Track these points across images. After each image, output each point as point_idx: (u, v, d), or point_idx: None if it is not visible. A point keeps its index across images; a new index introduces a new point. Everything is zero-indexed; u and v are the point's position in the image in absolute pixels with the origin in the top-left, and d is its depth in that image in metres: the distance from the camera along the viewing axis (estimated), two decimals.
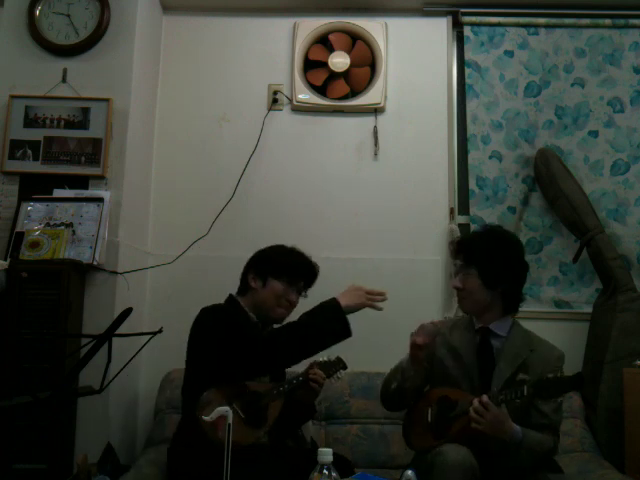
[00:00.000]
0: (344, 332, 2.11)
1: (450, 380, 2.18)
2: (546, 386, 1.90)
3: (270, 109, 3.21)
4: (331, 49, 3.18)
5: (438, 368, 2.22)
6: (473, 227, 3.11)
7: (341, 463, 1.57)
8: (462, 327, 2.26)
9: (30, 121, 2.80)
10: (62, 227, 2.66)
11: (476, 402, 1.94)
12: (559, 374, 1.92)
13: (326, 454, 1.46)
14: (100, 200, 2.71)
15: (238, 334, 2.12)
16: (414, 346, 2.11)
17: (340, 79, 3.17)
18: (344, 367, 2.29)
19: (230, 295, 2.35)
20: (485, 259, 2.14)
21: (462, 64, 3.26)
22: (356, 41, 3.19)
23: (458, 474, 1.82)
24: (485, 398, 1.94)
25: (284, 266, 2.30)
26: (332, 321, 2.10)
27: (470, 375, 2.15)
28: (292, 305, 2.31)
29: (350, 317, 3.01)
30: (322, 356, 2.27)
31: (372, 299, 2.16)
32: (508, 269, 2.15)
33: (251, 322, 2.25)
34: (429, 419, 2.14)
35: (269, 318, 2.30)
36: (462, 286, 2.17)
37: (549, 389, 1.90)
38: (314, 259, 3.07)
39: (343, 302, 2.13)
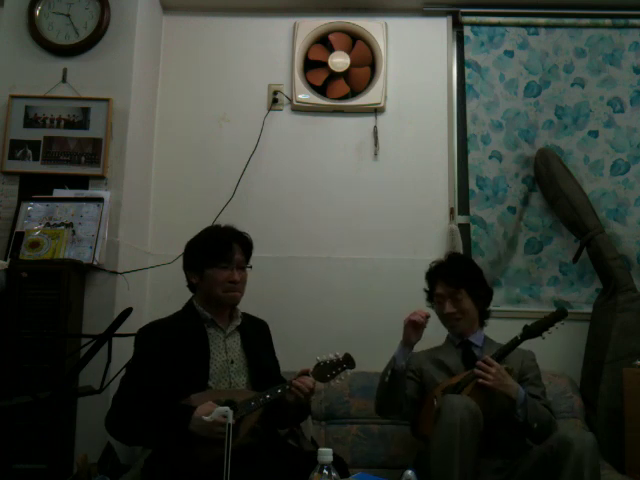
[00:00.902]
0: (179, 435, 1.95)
1: None
2: (534, 326, 2.23)
3: (270, 109, 3.21)
4: (331, 49, 3.18)
5: (428, 381, 2.35)
6: (473, 227, 3.11)
7: (336, 463, 1.55)
8: (443, 347, 2.46)
9: (30, 121, 2.80)
10: (62, 227, 2.66)
11: (478, 362, 2.16)
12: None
13: (326, 454, 1.46)
14: (100, 200, 2.72)
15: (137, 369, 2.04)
16: (409, 324, 2.26)
17: (340, 79, 3.17)
18: (350, 366, 2.14)
19: (189, 299, 2.26)
20: (472, 279, 2.38)
21: (462, 64, 3.26)
22: (356, 41, 3.19)
23: (464, 413, 1.96)
24: (484, 356, 2.17)
25: (208, 252, 2.17)
26: (171, 429, 1.96)
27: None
28: (238, 283, 2.18)
29: (349, 317, 3.03)
30: (328, 354, 2.15)
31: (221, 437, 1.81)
32: (486, 285, 2.45)
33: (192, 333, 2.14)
34: (437, 405, 2.20)
35: (224, 305, 2.20)
36: (456, 310, 2.34)
37: (538, 327, 2.21)
38: (314, 259, 3.11)
39: (196, 415, 1.93)
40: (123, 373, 2.03)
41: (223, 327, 2.20)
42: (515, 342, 2.23)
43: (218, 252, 2.16)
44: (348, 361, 2.15)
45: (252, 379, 2.18)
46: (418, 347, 2.51)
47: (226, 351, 2.16)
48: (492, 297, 2.47)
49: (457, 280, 2.35)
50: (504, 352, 2.22)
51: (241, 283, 2.20)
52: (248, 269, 2.24)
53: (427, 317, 2.25)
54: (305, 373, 2.11)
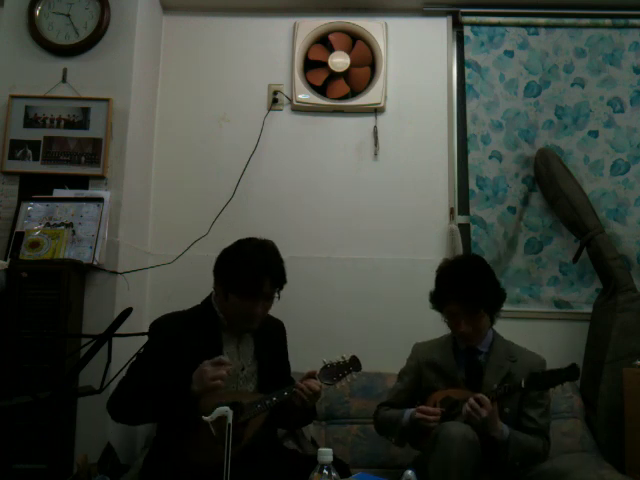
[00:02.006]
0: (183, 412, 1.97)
1: None
2: (541, 378, 2.05)
3: (270, 109, 3.21)
4: (331, 49, 3.18)
5: (426, 384, 2.28)
6: (473, 227, 3.10)
7: (337, 466, 1.55)
8: (445, 348, 2.32)
9: (30, 121, 2.80)
10: (62, 227, 2.66)
11: (472, 399, 2.04)
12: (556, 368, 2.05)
13: (326, 454, 1.46)
14: (100, 200, 2.71)
15: (145, 361, 2.02)
16: (425, 423, 2.12)
17: (340, 79, 3.17)
18: (357, 368, 2.13)
19: (210, 294, 2.23)
20: (489, 297, 2.20)
21: (462, 64, 3.26)
22: (356, 41, 3.19)
23: (460, 444, 1.91)
24: (480, 395, 2.05)
25: (235, 281, 2.07)
26: (177, 407, 1.97)
27: (460, 388, 2.22)
28: (258, 316, 2.11)
29: (349, 317, 3.03)
30: (336, 356, 2.14)
31: (216, 384, 1.92)
32: (499, 293, 2.26)
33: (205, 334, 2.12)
34: (433, 432, 2.14)
35: (241, 327, 2.15)
36: (472, 328, 2.20)
37: (544, 380, 2.05)
38: (314, 259, 3.10)
39: (195, 389, 1.95)
40: (123, 373, 2.03)
41: (238, 332, 2.17)
42: (516, 388, 2.08)
43: (245, 287, 2.06)
44: (355, 363, 2.14)
45: (260, 386, 2.16)
46: (421, 339, 2.46)
47: (238, 357, 2.14)
48: (505, 297, 2.29)
49: (476, 302, 2.15)
50: (502, 394, 2.09)
51: (263, 314, 2.14)
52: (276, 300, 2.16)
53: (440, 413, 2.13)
54: (312, 376, 2.09)
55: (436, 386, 2.25)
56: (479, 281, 2.18)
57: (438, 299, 2.27)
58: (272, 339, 2.27)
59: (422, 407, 2.16)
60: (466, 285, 2.15)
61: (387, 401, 2.39)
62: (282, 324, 2.36)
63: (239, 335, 2.17)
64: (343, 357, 2.14)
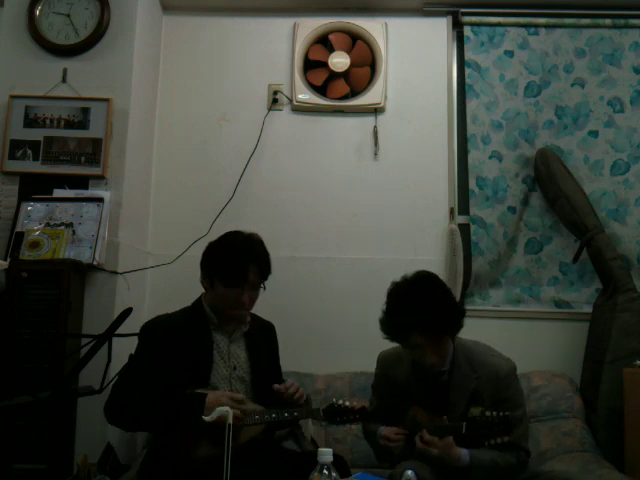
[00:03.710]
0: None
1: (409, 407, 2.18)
2: (479, 427, 1.94)
3: (270, 109, 3.21)
4: (331, 49, 3.18)
5: (395, 399, 2.20)
6: (473, 227, 3.10)
7: (337, 462, 1.55)
8: (407, 365, 2.18)
9: (30, 121, 2.80)
10: (62, 227, 2.66)
11: (418, 442, 1.99)
12: (494, 413, 1.92)
13: (326, 454, 1.46)
14: (100, 200, 2.72)
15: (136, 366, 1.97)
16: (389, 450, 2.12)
17: (340, 79, 3.17)
18: (363, 418, 2.13)
19: (200, 295, 2.21)
20: (453, 322, 2.07)
21: (462, 64, 3.26)
22: (356, 41, 3.19)
23: None
24: (426, 436, 1.99)
25: (221, 269, 2.09)
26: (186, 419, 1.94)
27: (425, 409, 2.13)
28: (245, 304, 2.10)
29: (349, 317, 3.03)
30: (345, 400, 2.12)
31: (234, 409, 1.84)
32: (460, 312, 2.11)
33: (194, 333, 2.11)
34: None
35: (230, 319, 2.14)
36: (439, 357, 2.08)
37: (480, 431, 1.93)
38: (314, 259, 3.11)
39: (208, 404, 1.92)
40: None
41: (229, 332, 2.16)
42: (459, 433, 1.97)
43: (231, 273, 2.07)
44: (362, 413, 2.11)
45: (253, 387, 2.16)
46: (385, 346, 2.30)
47: (229, 357, 2.14)
48: (465, 311, 2.13)
49: (442, 329, 2.03)
50: (450, 433, 1.98)
51: (250, 303, 2.13)
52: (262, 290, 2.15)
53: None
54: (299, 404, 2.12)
55: (403, 406, 2.16)
56: (440, 309, 2.02)
57: (394, 332, 2.07)
58: (263, 340, 2.27)
59: (385, 433, 2.11)
60: (428, 316, 1.99)
61: (368, 412, 2.30)
62: (273, 326, 2.35)
63: (230, 335, 2.16)
64: (353, 403, 2.12)
